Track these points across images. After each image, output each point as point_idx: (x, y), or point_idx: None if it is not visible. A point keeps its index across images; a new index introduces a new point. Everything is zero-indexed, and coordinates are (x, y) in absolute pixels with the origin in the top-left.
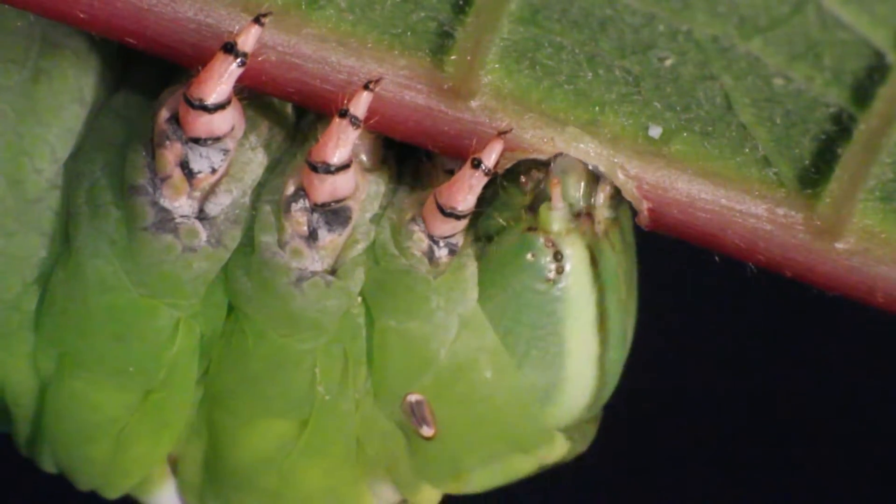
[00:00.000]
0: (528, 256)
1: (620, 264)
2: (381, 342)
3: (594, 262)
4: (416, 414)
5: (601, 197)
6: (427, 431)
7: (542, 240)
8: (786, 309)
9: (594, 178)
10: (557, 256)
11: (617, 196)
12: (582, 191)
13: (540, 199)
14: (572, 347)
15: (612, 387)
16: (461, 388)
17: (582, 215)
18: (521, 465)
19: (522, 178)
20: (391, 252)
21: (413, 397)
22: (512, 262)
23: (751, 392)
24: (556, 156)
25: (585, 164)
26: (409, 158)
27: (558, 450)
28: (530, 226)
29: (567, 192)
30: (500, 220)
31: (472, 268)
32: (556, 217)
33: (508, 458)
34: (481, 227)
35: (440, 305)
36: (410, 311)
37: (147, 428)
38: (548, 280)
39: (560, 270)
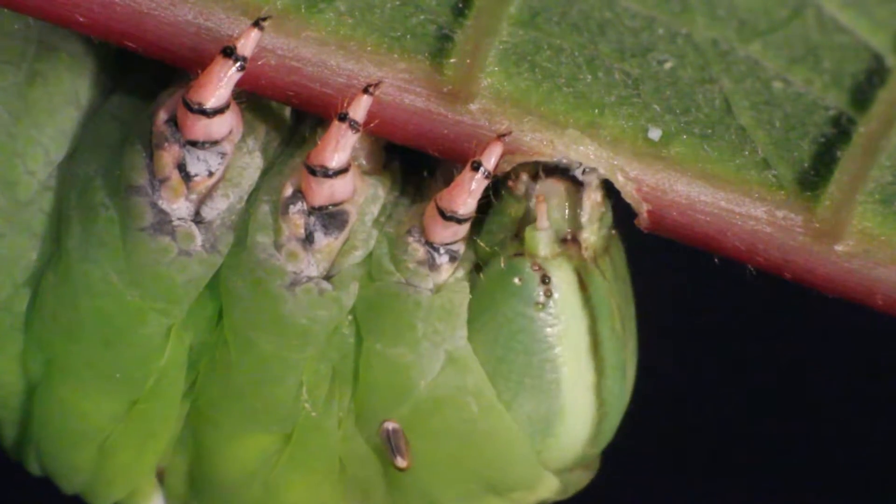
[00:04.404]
0: (516, 281)
1: (612, 293)
2: (366, 364)
3: (583, 286)
4: (391, 443)
5: (585, 218)
6: (401, 462)
7: (528, 263)
8: (785, 311)
9: (577, 203)
10: (545, 280)
11: (604, 221)
12: (566, 214)
13: (525, 222)
14: (567, 374)
15: (613, 423)
16: (436, 423)
17: (568, 240)
18: None
19: (510, 182)
20: (386, 268)
21: (390, 425)
22: (500, 287)
23: (750, 393)
24: (537, 181)
25: (567, 187)
26: (412, 174)
27: (541, 493)
28: (517, 251)
29: (551, 216)
30: (487, 248)
31: (465, 299)
32: (541, 239)
33: (484, 499)
34: (470, 256)
35: (426, 335)
36: (396, 336)
37: (132, 438)
38: (537, 304)
39: (548, 294)
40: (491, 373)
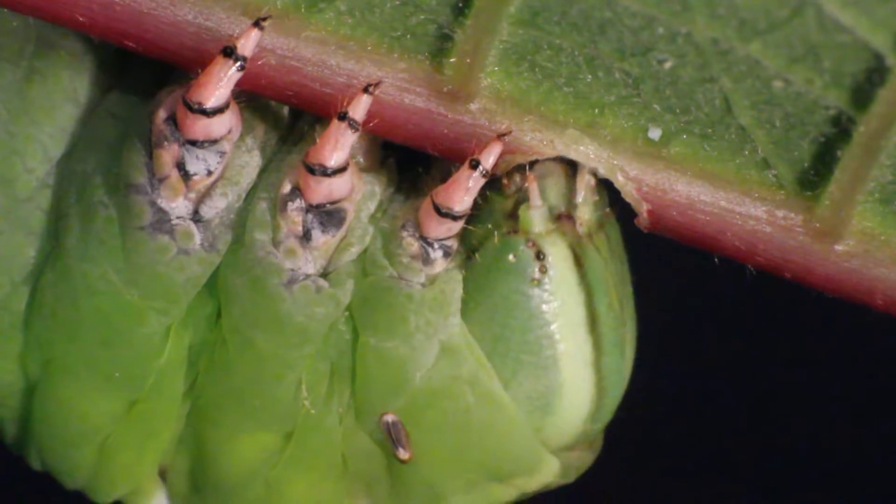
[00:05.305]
0: (511, 258)
1: (609, 270)
2: (361, 359)
3: (578, 262)
4: (392, 435)
5: (580, 196)
6: (403, 454)
7: (523, 240)
8: (785, 311)
9: (573, 182)
10: (539, 256)
11: (599, 200)
12: (561, 194)
13: (520, 202)
14: (565, 350)
15: (613, 400)
16: (434, 414)
17: (563, 217)
18: (502, 494)
19: (504, 181)
20: (379, 262)
21: (389, 417)
22: (496, 266)
23: (750, 393)
24: (534, 161)
25: (563, 169)
26: (408, 171)
27: (543, 477)
28: (511, 229)
29: (546, 195)
30: (481, 231)
31: (457, 288)
32: (535, 216)
33: (487, 487)
34: (465, 241)
35: (419, 327)
36: (389, 329)
37: (132, 438)
38: (532, 280)
39: (543, 270)
40: (489, 351)
